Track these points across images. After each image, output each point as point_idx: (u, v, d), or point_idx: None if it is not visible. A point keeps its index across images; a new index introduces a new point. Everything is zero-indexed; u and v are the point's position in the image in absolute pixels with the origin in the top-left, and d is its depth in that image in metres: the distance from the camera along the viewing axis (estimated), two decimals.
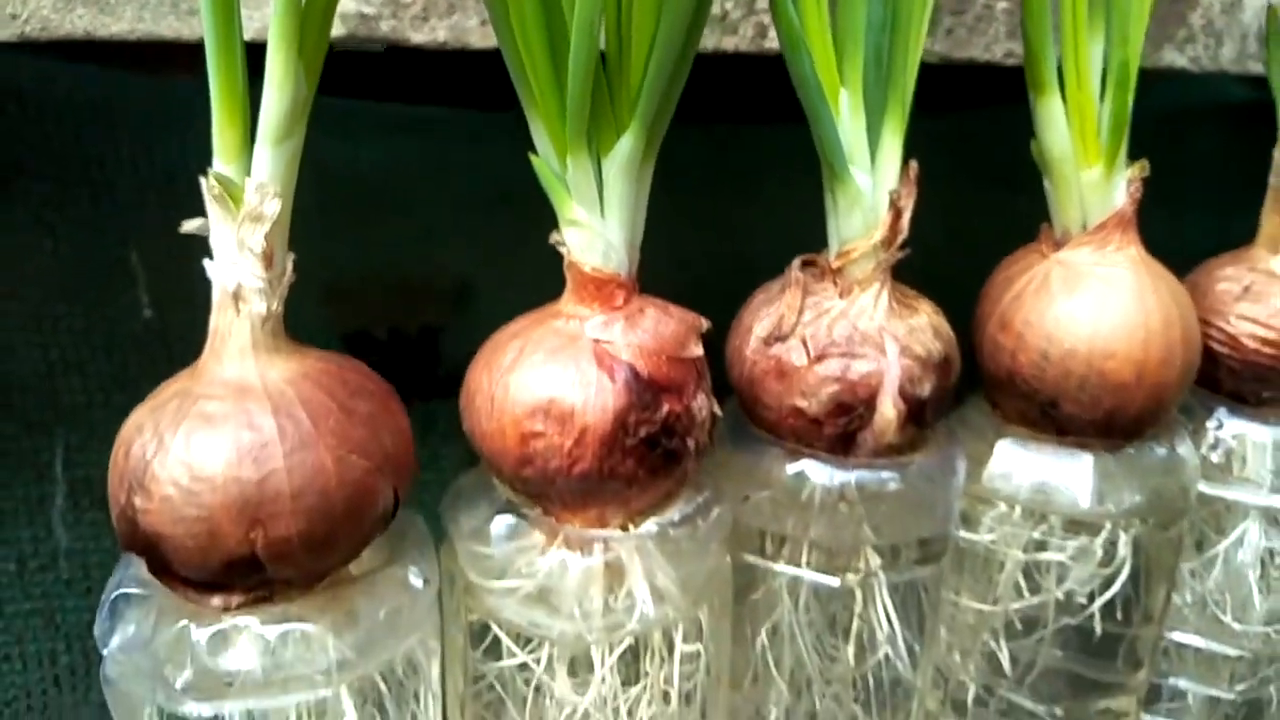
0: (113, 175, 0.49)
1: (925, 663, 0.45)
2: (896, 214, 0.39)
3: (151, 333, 0.51)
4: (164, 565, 0.31)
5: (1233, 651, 0.50)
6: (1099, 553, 0.43)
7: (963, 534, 0.45)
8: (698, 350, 0.37)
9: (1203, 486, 0.48)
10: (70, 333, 0.50)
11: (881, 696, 0.44)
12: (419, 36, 0.41)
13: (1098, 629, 0.45)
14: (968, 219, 0.54)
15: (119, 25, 0.41)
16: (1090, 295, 0.41)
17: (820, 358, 0.39)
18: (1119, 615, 0.45)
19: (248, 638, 0.32)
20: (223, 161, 0.31)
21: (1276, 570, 0.49)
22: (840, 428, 0.39)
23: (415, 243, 0.53)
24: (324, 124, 0.49)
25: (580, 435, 0.35)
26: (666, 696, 0.39)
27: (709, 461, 0.42)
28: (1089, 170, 0.41)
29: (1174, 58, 0.65)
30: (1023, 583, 0.45)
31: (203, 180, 0.31)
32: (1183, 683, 0.52)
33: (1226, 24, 0.64)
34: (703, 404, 0.37)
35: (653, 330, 0.36)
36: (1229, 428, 0.48)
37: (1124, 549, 0.43)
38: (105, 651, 0.33)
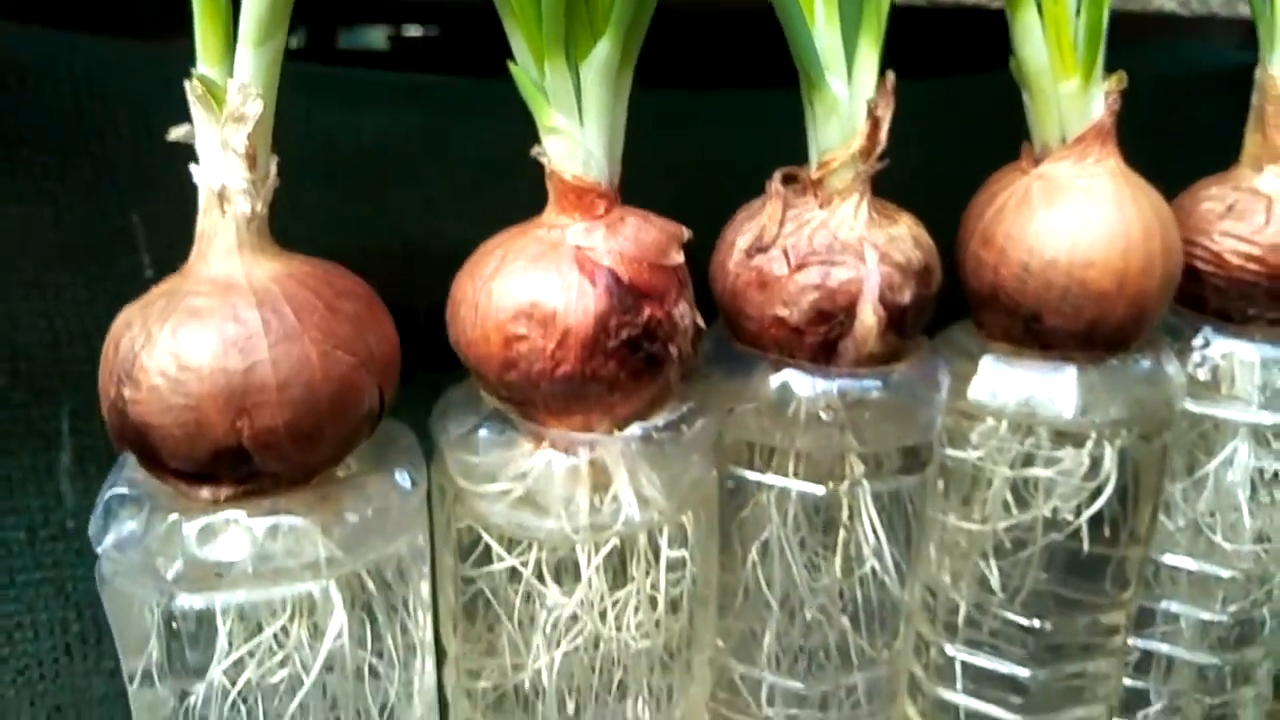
0: (112, 144, 0.50)
1: (912, 579, 0.45)
2: (874, 124, 0.39)
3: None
4: (153, 457, 0.32)
5: (1224, 573, 0.50)
6: (1085, 464, 0.44)
7: (951, 452, 0.46)
8: (678, 258, 0.38)
9: (1191, 405, 0.48)
10: (74, 302, 0.51)
11: (870, 612, 0.44)
12: None
13: (1085, 546, 0.45)
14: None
15: None
16: (1070, 206, 0.41)
17: (800, 266, 0.39)
18: (1106, 533, 0.46)
19: (236, 530, 0.33)
20: (206, 64, 0.32)
21: (1266, 489, 0.49)
22: (821, 336, 0.40)
23: (418, 212, 0.54)
24: (326, 94, 0.51)
25: (563, 337, 0.35)
26: (654, 602, 0.39)
27: (695, 377, 0.42)
28: (1066, 82, 0.41)
29: (1164, 2, 0.66)
30: (1011, 500, 0.46)
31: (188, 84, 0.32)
32: (1174, 606, 0.52)
33: None
34: (684, 312, 0.38)
35: (634, 238, 0.37)
36: (1216, 346, 0.48)
37: (1109, 462, 0.44)
38: (100, 550, 0.34)
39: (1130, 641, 0.53)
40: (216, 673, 0.34)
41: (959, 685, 0.49)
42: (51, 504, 0.52)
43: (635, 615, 0.39)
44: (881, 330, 0.40)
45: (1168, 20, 0.67)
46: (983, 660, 0.48)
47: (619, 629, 0.38)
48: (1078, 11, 0.41)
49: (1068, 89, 0.42)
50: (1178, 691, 0.53)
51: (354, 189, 0.52)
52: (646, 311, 0.36)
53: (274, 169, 0.34)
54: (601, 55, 0.35)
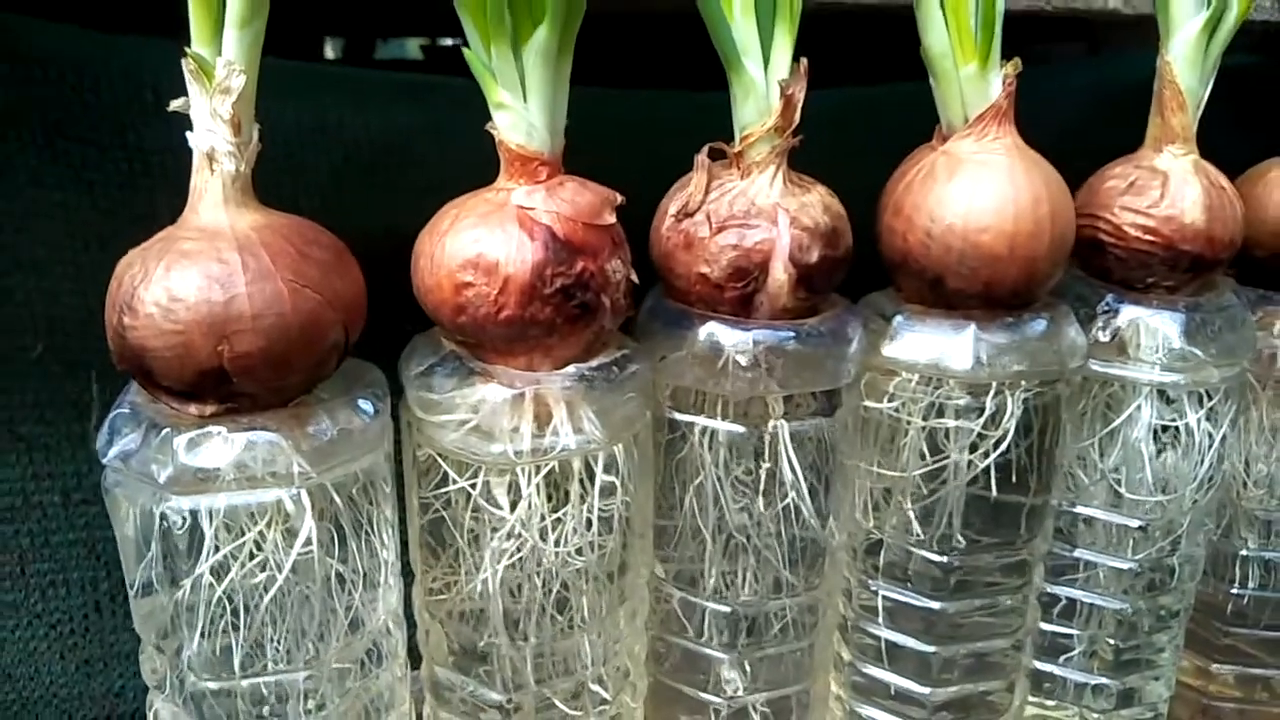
0: (143, 136, 0.56)
1: (834, 516, 0.50)
2: (786, 102, 0.44)
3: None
4: (149, 377, 0.38)
5: (1132, 523, 0.55)
6: (988, 412, 0.48)
7: (871, 404, 0.50)
8: (611, 219, 0.43)
9: (1099, 366, 0.53)
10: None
11: (793, 543, 0.49)
12: None
13: (993, 491, 0.50)
14: None
15: None
16: (967, 178, 0.46)
17: (720, 229, 0.44)
18: (1012, 479, 0.50)
19: (219, 442, 0.38)
20: (198, 44, 0.38)
21: (1167, 445, 0.53)
22: (739, 291, 0.45)
23: (421, 202, 0.59)
24: (338, 93, 0.56)
25: (504, 284, 0.41)
26: (589, 523, 0.44)
27: (638, 329, 0.48)
28: (966, 67, 0.46)
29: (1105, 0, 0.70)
30: (926, 448, 0.50)
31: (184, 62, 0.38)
32: (1091, 555, 0.56)
33: None
34: (617, 268, 0.43)
35: (571, 200, 0.42)
36: (1120, 313, 0.52)
37: (1010, 412, 0.48)
38: (105, 461, 0.40)
39: (1052, 589, 0.58)
40: (204, 569, 0.40)
41: (880, 619, 0.53)
42: (84, 469, 0.57)
43: (574, 535, 0.44)
44: (793, 286, 0.45)
45: (1114, 19, 0.71)
46: (901, 595, 0.53)
47: (557, 545, 0.44)
48: (976, 2, 0.46)
49: (967, 73, 0.46)
50: (1095, 636, 0.57)
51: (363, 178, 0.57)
52: (580, 264, 0.41)
53: (256, 134, 0.39)
54: (541, 40, 0.41)
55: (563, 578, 0.45)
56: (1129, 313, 0.52)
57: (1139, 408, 0.53)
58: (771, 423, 0.47)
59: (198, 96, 0.38)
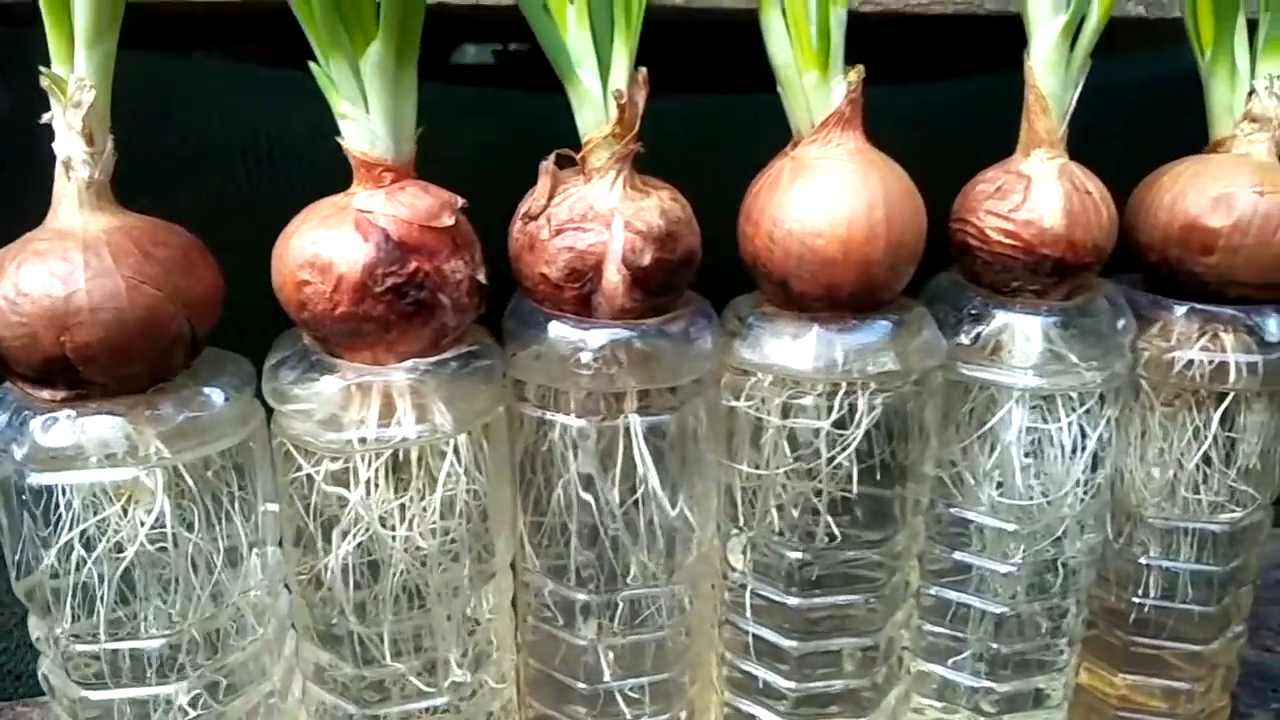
0: (130, 137, 0.60)
1: (694, 513, 0.51)
2: (621, 110, 0.46)
3: None
4: (5, 364, 0.42)
5: (1008, 526, 0.55)
6: (840, 411, 0.49)
7: (733, 403, 0.52)
8: (448, 221, 0.45)
9: (968, 370, 0.53)
10: None
11: (651, 534, 0.51)
12: None
13: (853, 490, 0.51)
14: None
15: None
16: (806, 184, 0.47)
17: (559, 232, 0.46)
18: (873, 476, 0.51)
19: (68, 424, 0.42)
20: (55, 64, 0.42)
21: (1039, 448, 0.53)
22: (577, 291, 0.47)
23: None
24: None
25: (337, 283, 0.43)
26: (436, 511, 0.47)
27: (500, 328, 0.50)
28: (808, 75, 0.47)
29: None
30: (786, 447, 0.51)
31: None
32: (969, 558, 0.56)
33: None
34: (458, 268, 0.46)
35: (409, 204, 0.45)
36: (987, 316, 0.53)
37: (862, 408, 0.49)
38: None
39: (938, 592, 0.58)
40: (64, 542, 0.44)
41: (748, 613, 0.55)
42: None
43: (418, 521, 0.47)
44: (628, 287, 0.46)
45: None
46: (765, 590, 0.54)
47: (399, 530, 0.46)
48: (815, 12, 0.47)
49: (809, 81, 0.48)
50: (982, 640, 0.58)
51: None
52: (413, 264, 0.44)
53: (110, 145, 0.43)
54: (375, 54, 0.43)
55: (410, 561, 0.47)
56: (998, 316, 0.53)
57: (1010, 411, 0.53)
58: (624, 418, 0.49)
59: (56, 110, 0.42)
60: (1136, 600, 0.60)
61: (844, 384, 0.49)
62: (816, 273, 0.47)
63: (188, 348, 0.44)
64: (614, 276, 0.46)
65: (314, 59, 0.45)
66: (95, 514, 0.44)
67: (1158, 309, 0.56)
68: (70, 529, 0.44)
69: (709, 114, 0.68)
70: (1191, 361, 0.55)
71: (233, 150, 0.64)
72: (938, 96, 0.72)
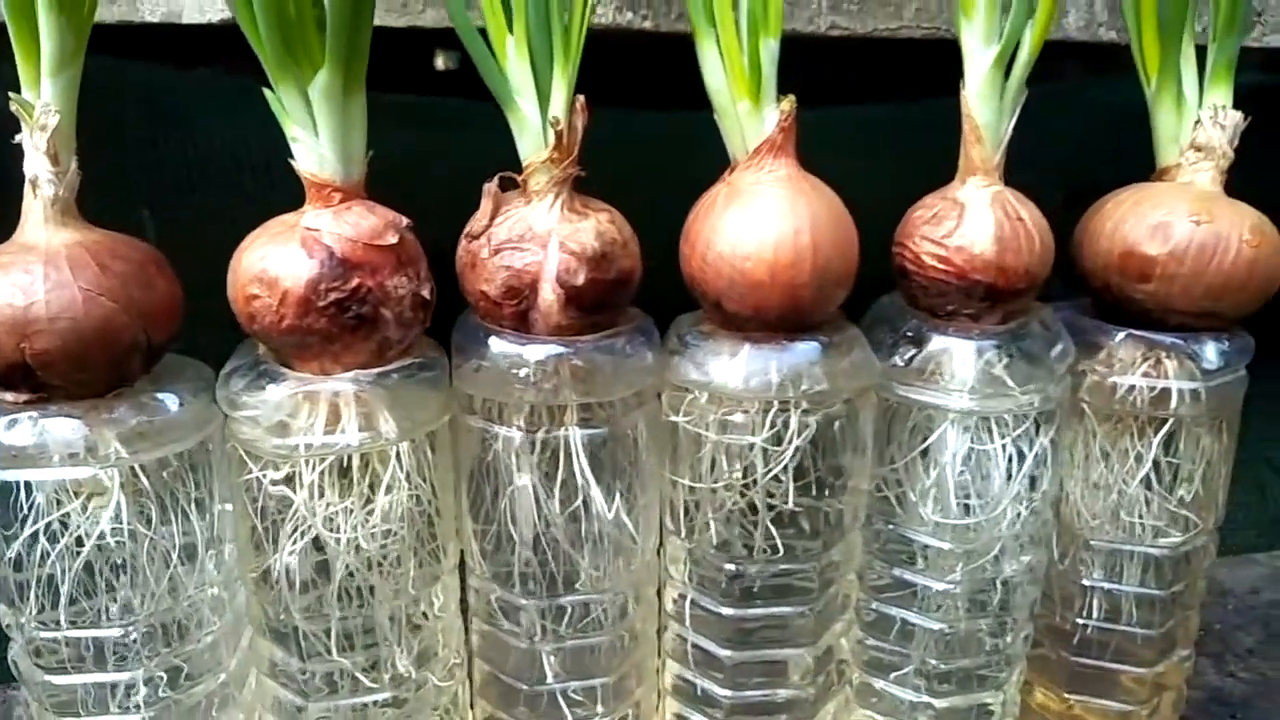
0: (131, 149, 0.64)
1: (635, 524, 0.53)
2: (559, 137, 0.48)
3: None
4: None
5: (944, 545, 0.56)
6: (771, 429, 0.51)
7: (674, 419, 0.54)
8: (392, 240, 0.48)
9: (905, 391, 0.54)
10: None
11: (596, 550, 0.53)
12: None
13: (788, 506, 0.52)
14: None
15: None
16: (737, 209, 0.49)
17: (497, 251, 0.49)
18: (812, 494, 0.53)
19: (29, 425, 0.45)
20: (25, 90, 0.45)
21: (975, 470, 0.54)
22: (514, 308, 0.49)
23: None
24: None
25: (282, 297, 0.46)
26: (378, 514, 0.49)
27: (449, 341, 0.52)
28: (741, 103, 0.49)
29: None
30: (724, 461, 0.53)
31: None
32: (909, 575, 0.57)
33: None
34: (401, 283, 0.48)
35: (354, 223, 0.47)
36: (926, 339, 0.54)
37: (794, 425, 0.51)
38: None
39: (879, 607, 0.59)
40: (27, 535, 0.47)
41: (687, 622, 0.56)
42: None
43: (362, 524, 0.49)
44: (562, 305, 0.48)
45: None
46: (702, 600, 0.55)
47: (341, 532, 0.49)
48: (746, 44, 0.48)
49: (743, 109, 0.49)
50: (924, 656, 0.59)
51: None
52: (355, 280, 0.46)
53: (74, 164, 0.46)
54: (322, 82, 0.46)
55: (353, 562, 0.50)
56: (934, 340, 0.54)
57: (946, 432, 0.54)
58: (564, 430, 0.51)
59: (25, 132, 0.45)
60: (1080, 621, 0.61)
61: (776, 402, 0.51)
62: (745, 295, 0.49)
63: (143, 355, 0.47)
64: (549, 295, 0.48)
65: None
66: (58, 509, 0.47)
67: (1100, 334, 0.57)
68: (35, 522, 0.47)
69: (682, 129, 0.70)
70: (1133, 387, 0.56)
71: (241, 165, 0.67)
72: (910, 117, 0.73)
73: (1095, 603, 0.60)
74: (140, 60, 0.64)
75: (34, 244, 0.45)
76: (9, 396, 0.45)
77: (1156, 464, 0.57)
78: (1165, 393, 0.56)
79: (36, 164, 0.45)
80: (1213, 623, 0.79)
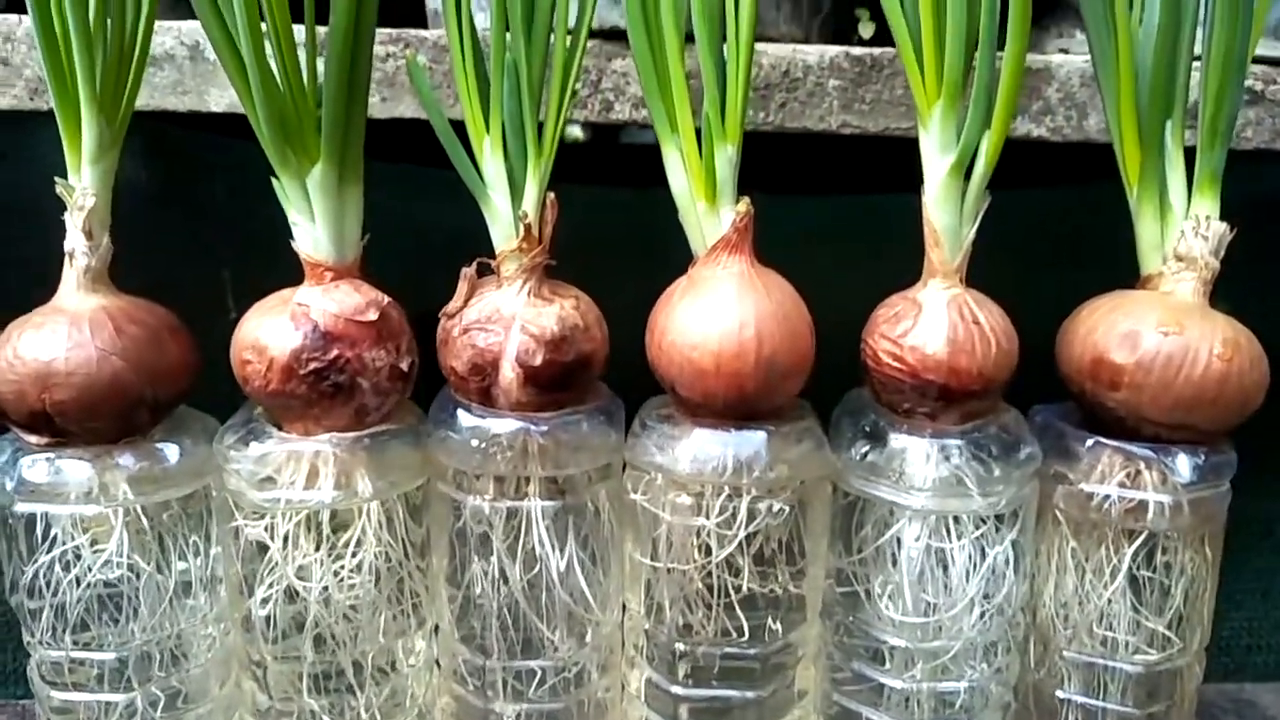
0: (211, 215, 0.71)
1: (595, 597, 0.55)
2: (527, 229, 0.52)
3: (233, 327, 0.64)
4: (4, 413, 0.52)
5: (900, 642, 0.56)
6: (721, 514, 0.52)
7: (633, 498, 0.56)
8: (372, 316, 0.52)
9: (864, 485, 0.55)
10: None
11: (557, 617, 0.55)
12: None
13: (739, 589, 0.54)
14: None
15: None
16: (690, 300, 0.52)
17: (466, 330, 0.53)
18: (763, 579, 0.54)
19: (48, 464, 0.52)
20: (70, 174, 0.52)
21: (933, 566, 0.54)
22: (479, 384, 0.53)
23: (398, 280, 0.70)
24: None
25: (270, 363, 0.51)
26: (351, 568, 0.53)
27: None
28: (699, 203, 0.52)
29: (1030, 129, 0.72)
30: (678, 542, 0.55)
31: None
32: (867, 670, 0.57)
33: (1089, 95, 0.70)
34: (379, 356, 0.53)
35: (340, 300, 0.52)
36: (884, 435, 0.54)
37: (743, 512, 0.52)
38: None
39: (841, 701, 0.59)
40: (42, 563, 0.53)
41: (643, 697, 0.58)
42: None
43: (333, 576, 0.53)
44: (521, 383, 0.52)
45: (1040, 144, 0.72)
46: (654, 676, 0.57)
47: (315, 581, 0.53)
48: (704, 151, 0.51)
49: (701, 209, 0.52)
50: None
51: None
52: (335, 351, 0.51)
53: (107, 239, 0.53)
54: (318, 175, 0.52)
55: (321, 611, 0.54)
56: (892, 436, 0.54)
57: (904, 528, 0.54)
58: (527, 501, 0.54)
59: (68, 211, 0.52)
60: None
61: (727, 487, 0.52)
62: (694, 382, 0.51)
63: (150, 409, 0.53)
64: (509, 373, 0.52)
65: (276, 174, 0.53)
66: (71, 541, 0.53)
67: (1075, 440, 0.56)
68: (49, 551, 0.53)
69: None
70: (1108, 496, 0.55)
71: None
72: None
73: (1071, 715, 0.58)
74: (228, 137, 0.72)
75: (65, 307, 0.52)
76: (33, 439, 0.52)
77: (1134, 578, 0.55)
78: (1142, 504, 0.54)
79: (75, 239, 0.52)
80: None
